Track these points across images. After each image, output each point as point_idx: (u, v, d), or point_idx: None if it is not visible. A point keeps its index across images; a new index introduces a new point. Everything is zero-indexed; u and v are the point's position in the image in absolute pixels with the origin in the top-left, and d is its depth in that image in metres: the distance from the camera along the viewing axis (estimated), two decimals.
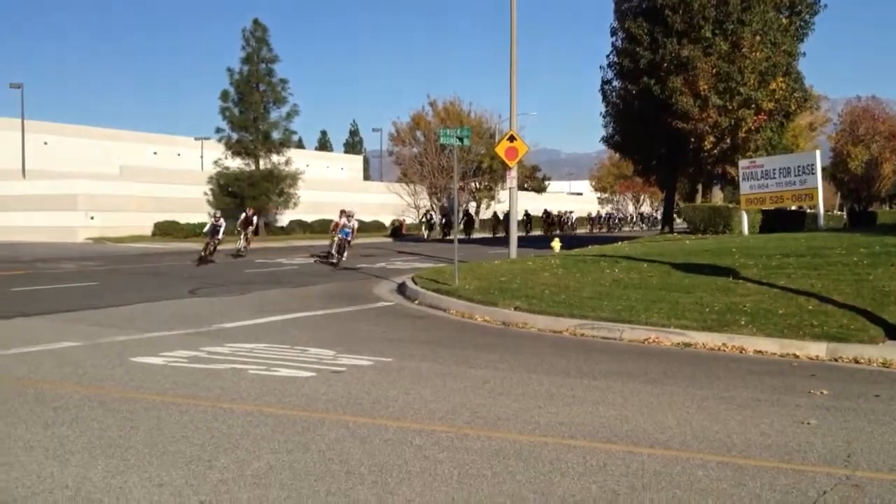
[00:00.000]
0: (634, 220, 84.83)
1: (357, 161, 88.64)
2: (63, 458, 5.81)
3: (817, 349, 10.77)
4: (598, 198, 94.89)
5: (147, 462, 5.74)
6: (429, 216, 52.69)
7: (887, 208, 75.61)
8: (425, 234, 50.12)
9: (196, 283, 17.98)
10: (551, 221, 64.18)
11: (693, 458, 5.99)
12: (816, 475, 5.64)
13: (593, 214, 75.80)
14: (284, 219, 51.26)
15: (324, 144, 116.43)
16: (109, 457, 5.85)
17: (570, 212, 71.29)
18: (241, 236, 30.99)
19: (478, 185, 61.79)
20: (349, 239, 26.97)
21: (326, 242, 30.83)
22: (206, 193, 47.03)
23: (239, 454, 5.95)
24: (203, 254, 27.29)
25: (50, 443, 6.19)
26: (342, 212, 28.27)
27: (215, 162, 47.37)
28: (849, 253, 17.20)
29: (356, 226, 28.14)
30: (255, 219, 32.12)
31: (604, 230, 71.20)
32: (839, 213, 69.20)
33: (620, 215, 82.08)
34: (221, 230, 27.85)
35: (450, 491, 5.25)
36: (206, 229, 29.18)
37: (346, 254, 26.31)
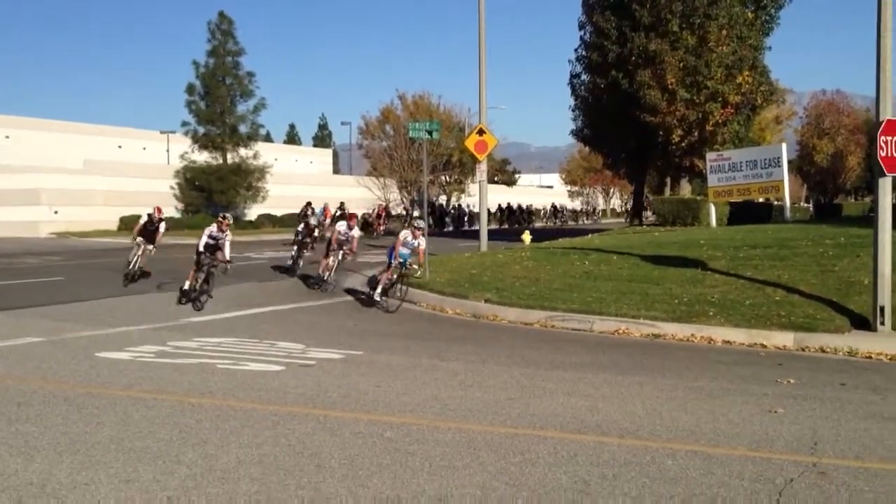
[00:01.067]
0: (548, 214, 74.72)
1: (326, 155, 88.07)
2: (28, 455, 5.70)
3: (784, 339, 10.91)
4: (569, 191, 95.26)
5: (113, 458, 5.65)
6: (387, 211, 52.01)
7: (853, 200, 76.99)
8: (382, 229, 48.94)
9: (163, 278, 17.73)
10: (511, 214, 63.41)
11: (662, 448, 6.03)
12: (784, 463, 5.70)
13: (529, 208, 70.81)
14: (252, 213, 50.82)
15: (292, 138, 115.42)
16: (75, 453, 5.75)
17: (529, 206, 70.13)
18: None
19: (448, 179, 61.72)
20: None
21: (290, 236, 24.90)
22: (172, 188, 46.47)
23: (207, 449, 5.88)
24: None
25: (14, 439, 6.06)
26: (351, 214, 20.10)
27: (182, 156, 46.82)
28: (815, 244, 17.44)
29: (357, 234, 18.37)
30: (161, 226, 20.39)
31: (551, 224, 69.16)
32: (806, 205, 70.25)
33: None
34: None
35: (420, 483, 5.22)
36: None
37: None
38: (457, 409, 7.20)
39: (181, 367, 8.91)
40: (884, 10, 10.98)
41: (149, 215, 18.45)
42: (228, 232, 15.47)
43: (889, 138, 10.99)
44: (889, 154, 11.02)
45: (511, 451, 5.90)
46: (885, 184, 11.42)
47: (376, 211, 48.16)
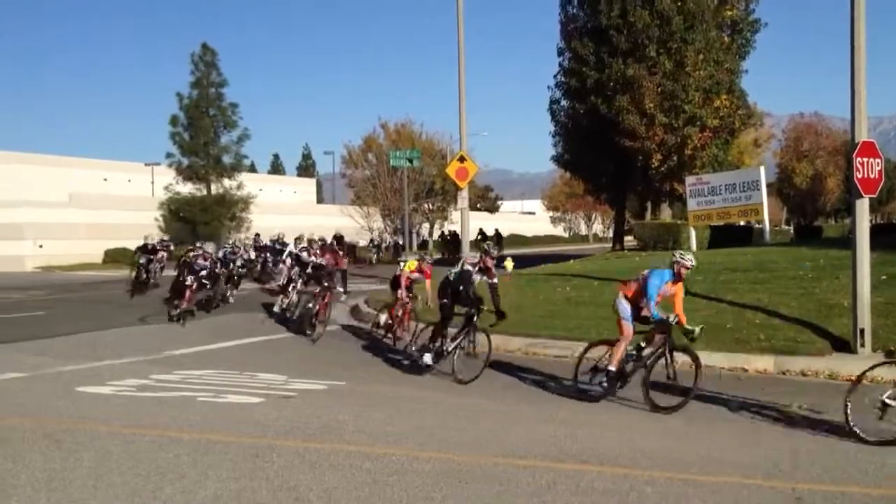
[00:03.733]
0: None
1: (310, 184, 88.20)
2: (4, 493, 5.66)
3: (765, 363, 10.98)
4: (551, 217, 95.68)
5: (91, 495, 5.62)
6: (374, 241, 51.87)
7: (833, 222, 77.49)
8: (373, 258, 48.25)
9: (146, 311, 17.66)
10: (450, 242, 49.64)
11: (641, 476, 6.06)
12: (762, 488, 5.75)
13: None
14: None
15: (276, 168, 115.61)
16: (52, 490, 5.72)
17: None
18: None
19: (431, 207, 61.86)
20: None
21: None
22: (157, 219, 46.33)
23: (185, 483, 5.86)
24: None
25: None
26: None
27: (166, 187, 46.76)
28: (795, 267, 17.57)
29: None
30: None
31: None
32: (786, 227, 70.69)
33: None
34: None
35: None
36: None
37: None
38: (440, 438, 7.22)
39: (162, 401, 8.88)
40: (857, 33, 11.17)
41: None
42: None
43: (865, 160, 11.11)
44: (865, 175, 11.13)
45: (491, 481, 5.92)
46: (862, 205, 11.52)
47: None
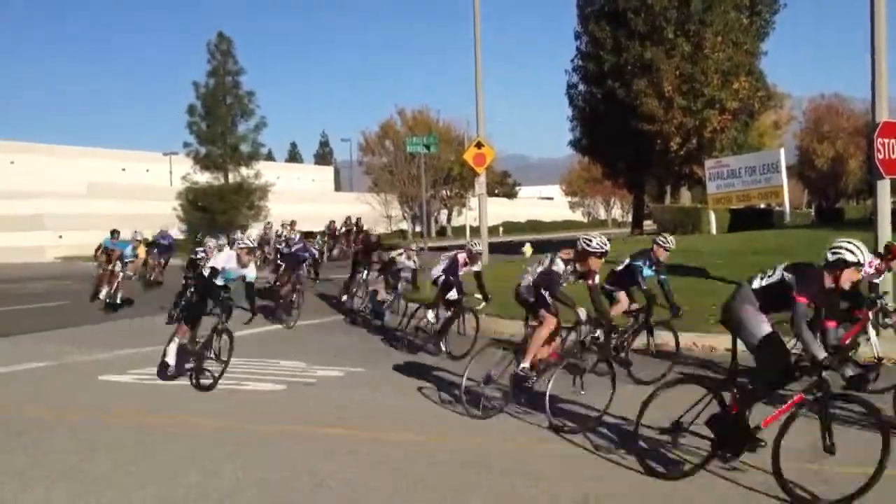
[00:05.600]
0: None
1: (328, 172, 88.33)
2: (24, 482, 5.71)
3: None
4: (570, 202, 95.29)
5: (109, 484, 5.66)
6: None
7: (854, 204, 76.57)
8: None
9: (164, 301, 17.77)
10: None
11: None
12: None
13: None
14: (254, 232, 50.94)
15: (294, 156, 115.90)
16: (71, 479, 5.77)
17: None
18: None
19: (449, 193, 61.83)
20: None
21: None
22: (175, 209, 46.58)
23: (205, 471, 5.89)
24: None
25: (10, 466, 6.08)
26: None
27: (184, 177, 46.95)
28: (817, 249, 17.33)
29: None
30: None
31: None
32: (807, 209, 70.02)
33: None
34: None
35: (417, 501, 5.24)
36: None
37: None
38: (455, 425, 7.21)
39: (183, 389, 8.93)
40: (877, 11, 10.98)
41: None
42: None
43: (886, 140, 10.94)
44: (886, 156, 10.96)
45: (520, 465, 5.91)
46: (883, 186, 11.36)
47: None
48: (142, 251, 19.37)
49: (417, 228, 52.88)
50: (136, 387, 9.12)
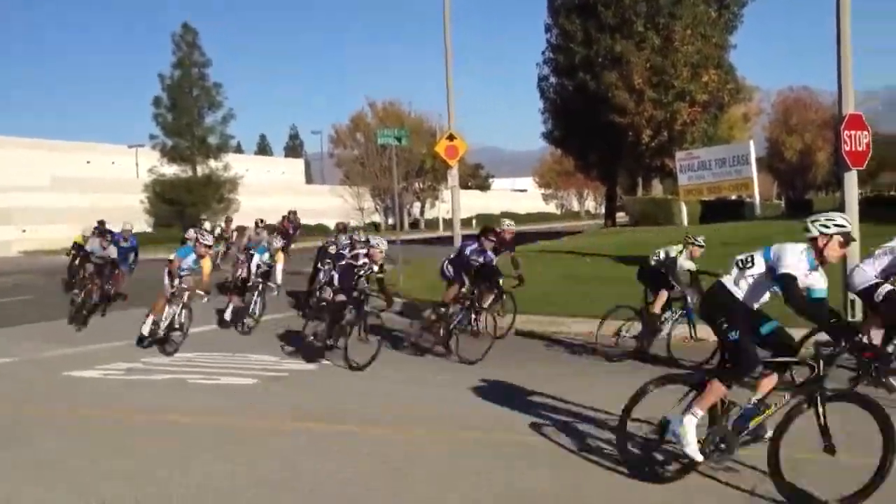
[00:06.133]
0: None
1: (298, 164, 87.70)
2: None
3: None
4: (543, 194, 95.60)
5: (81, 479, 5.52)
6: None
7: (823, 195, 77.53)
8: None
9: (132, 295, 17.47)
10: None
11: None
12: None
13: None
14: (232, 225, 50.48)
15: (263, 149, 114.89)
16: (42, 475, 5.61)
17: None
18: None
19: (421, 186, 61.73)
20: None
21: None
22: (143, 202, 46.08)
23: (175, 465, 5.77)
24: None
25: None
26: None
27: (150, 169, 46.48)
28: (787, 239, 17.51)
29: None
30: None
31: None
32: (777, 201, 70.79)
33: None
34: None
35: (381, 488, 5.17)
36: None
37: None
38: (419, 414, 7.15)
39: (152, 384, 8.78)
40: (843, 6, 11.08)
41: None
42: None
43: (852, 133, 11.07)
44: (853, 148, 11.10)
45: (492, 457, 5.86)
46: (850, 178, 11.48)
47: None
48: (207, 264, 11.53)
49: (390, 221, 52.75)
50: (103, 382, 8.94)
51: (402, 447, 6.18)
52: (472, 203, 68.62)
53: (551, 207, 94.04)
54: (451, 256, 11.12)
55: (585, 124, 37.99)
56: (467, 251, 10.72)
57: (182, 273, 10.91)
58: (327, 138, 63.38)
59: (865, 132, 11.24)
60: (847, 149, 11.07)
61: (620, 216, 44.46)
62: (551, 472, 5.50)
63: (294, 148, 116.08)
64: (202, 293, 10.90)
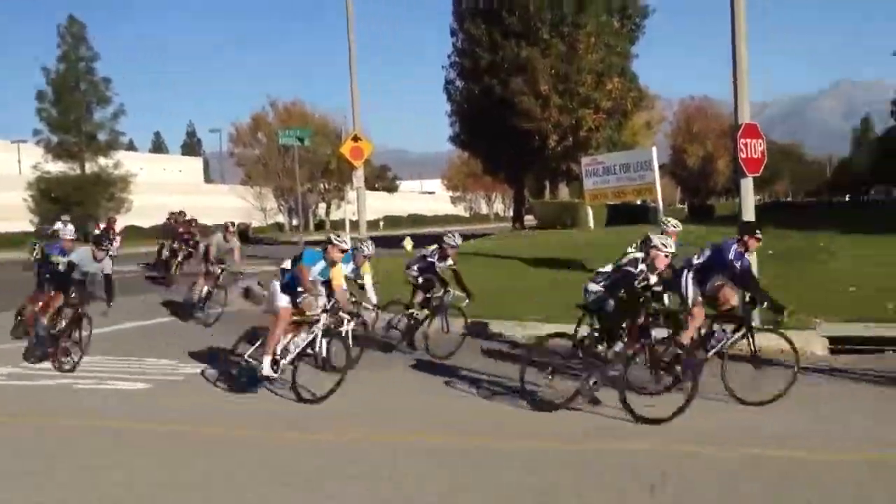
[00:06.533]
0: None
1: (196, 163, 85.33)
2: None
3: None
4: (451, 196, 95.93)
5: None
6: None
7: (724, 201, 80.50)
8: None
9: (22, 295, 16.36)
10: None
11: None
12: None
13: None
14: (117, 226, 48.44)
15: (158, 146, 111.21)
16: None
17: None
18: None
19: (326, 187, 60.93)
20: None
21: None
22: (25, 200, 43.80)
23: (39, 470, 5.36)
24: None
25: None
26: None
27: (34, 166, 44.28)
28: (687, 243, 17.91)
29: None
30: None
31: None
32: (680, 206, 73.08)
33: None
34: None
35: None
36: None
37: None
38: (330, 418, 6.83)
39: (35, 389, 8.17)
40: (737, 19, 11.38)
41: None
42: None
43: (748, 141, 11.36)
44: (748, 156, 11.39)
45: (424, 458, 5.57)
46: (747, 184, 11.73)
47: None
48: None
49: (294, 222, 51.82)
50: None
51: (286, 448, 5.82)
52: (380, 205, 68.31)
53: (460, 210, 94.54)
54: (420, 265, 10.86)
55: (492, 128, 38.16)
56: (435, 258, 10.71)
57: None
58: (227, 137, 61.74)
59: (760, 140, 11.55)
60: (743, 156, 11.34)
61: (528, 219, 44.92)
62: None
63: (191, 146, 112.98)
64: None
